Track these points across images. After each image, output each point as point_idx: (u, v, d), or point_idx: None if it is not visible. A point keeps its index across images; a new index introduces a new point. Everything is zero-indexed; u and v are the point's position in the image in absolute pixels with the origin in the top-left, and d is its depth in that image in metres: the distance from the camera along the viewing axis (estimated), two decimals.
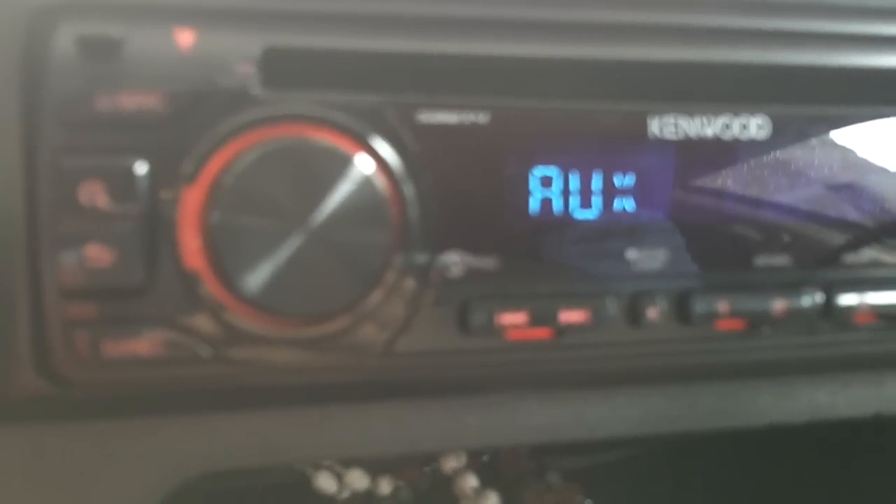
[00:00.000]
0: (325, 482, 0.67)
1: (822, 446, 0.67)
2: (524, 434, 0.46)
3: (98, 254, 0.34)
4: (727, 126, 0.42)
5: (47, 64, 0.34)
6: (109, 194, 0.34)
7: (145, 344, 0.36)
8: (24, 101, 0.35)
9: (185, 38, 0.35)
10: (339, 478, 0.68)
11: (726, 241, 0.43)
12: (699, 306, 0.41)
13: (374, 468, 0.69)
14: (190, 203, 0.35)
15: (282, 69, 0.36)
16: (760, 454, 0.70)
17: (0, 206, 0.35)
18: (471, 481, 0.68)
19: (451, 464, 0.69)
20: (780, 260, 0.43)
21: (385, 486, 0.69)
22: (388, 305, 0.38)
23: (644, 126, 0.41)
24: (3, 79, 0.35)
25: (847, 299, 0.44)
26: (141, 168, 0.35)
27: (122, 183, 0.34)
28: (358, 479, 0.68)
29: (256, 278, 0.35)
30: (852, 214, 0.44)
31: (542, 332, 0.40)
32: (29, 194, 0.35)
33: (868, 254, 0.44)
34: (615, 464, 0.72)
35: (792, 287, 0.43)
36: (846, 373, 0.49)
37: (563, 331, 0.40)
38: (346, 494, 0.68)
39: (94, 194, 0.34)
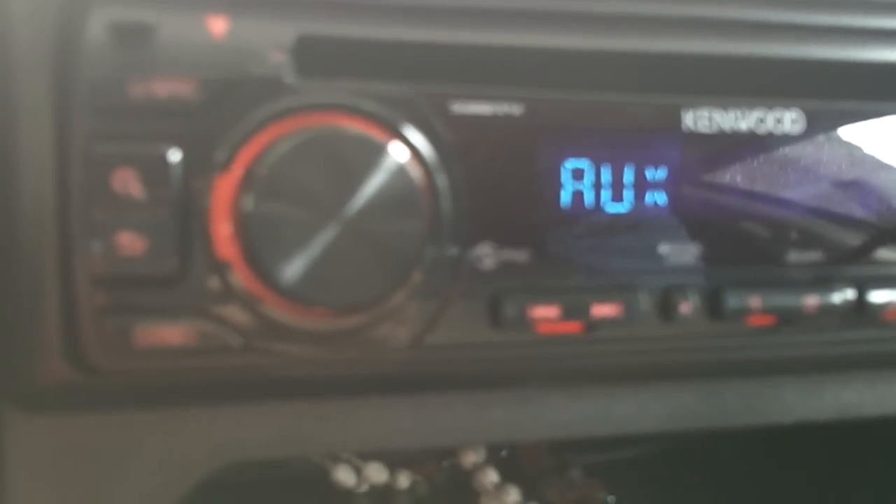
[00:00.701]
0: (344, 475, 0.67)
1: (849, 447, 0.66)
2: (550, 429, 0.46)
3: (130, 242, 0.34)
4: (761, 120, 0.41)
5: (80, 50, 0.34)
6: (142, 182, 0.34)
7: (176, 333, 0.35)
8: (57, 87, 0.34)
9: (218, 25, 0.35)
10: (358, 471, 0.67)
11: (758, 237, 0.42)
12: (731, 301, 0.41)
13: (393, 462, 0.68)
14: (222, 191, 0.35)
15: (315, 58, 0.36)
16: (786, 452, 0.70)
17: (32, 193, 0.34)
18: (491, 476, 0.68)
19: (470, 459, 0.69)
20: (812, 256, 0.43)
21: (403, 481, 0.68)
22: (420, 297, 0.38)
23: (678, 119, 0.40)
24: (36, 65, 0.34)
25: (878, 296, 0.43)
26: (174, 156, 0.34)
27: (155, 171, 0.34)
28: (377, 473, 0.67)
29: (292, 269, 0.35)
30: (885, 211, 0.44)
31: (573, 326, 0.40)
32: (60, 181, 0.34)
33: None
34: (637, 460, 0.72)
35: (823, 283, 0.43)
36: (874, 371, 0.49)
37: (594, 325, 0.40)
38: (364, 488, 0.67)
39: (126, 182, 0.34)
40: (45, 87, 0.34)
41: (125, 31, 0.34)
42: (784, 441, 0.69)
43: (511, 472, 0.69)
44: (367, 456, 0.68)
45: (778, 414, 0.49)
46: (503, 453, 0.71)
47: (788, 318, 0.43)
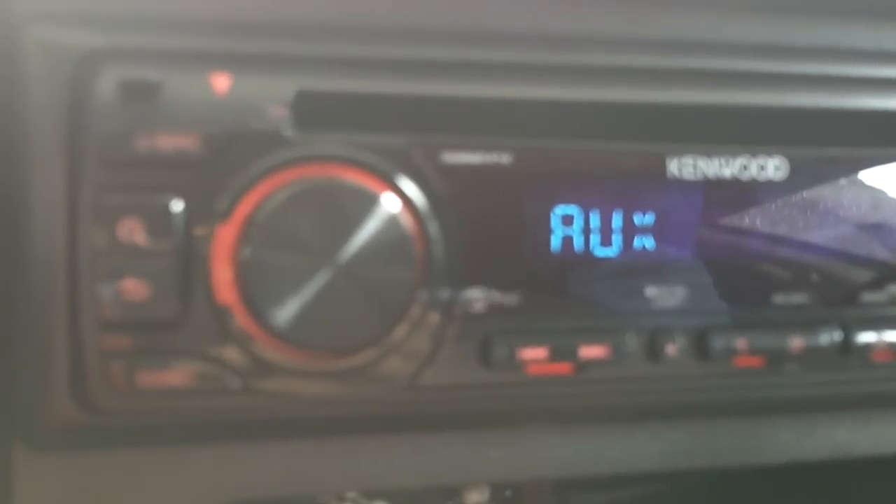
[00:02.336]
0: None
1: (850, 486, 0.66)
2: (546, 468, 0.47)
3: (134, 288, 0.36)
4: (745, 167, 0.43)
5: (90, 106, 0.36)
6: (146, 231, 0.36)
7: (178, 375, 0.37)
8: (69, 141, 0.36)
9: (222, 82, 0.37)
10: None
11: (745, 279, 0.43)
12: (717, 343, 0.42)
13: (398, 501, 0.69)
14: (223, 239, 0.37)
15: (313, 111, 0.38)
16: (787, 490, 0.70)
17: (44, 240, 0.36)
18: None
19: (473, 498, 0.69)
20: (799, 298, 0.44)
21: None
22: (413, 340, 0.39)
23: (663, 166, 0.42)
24: (51, 119, 0.36)
25: (865, 337, 0.44)
26: (177, 206, 0.36)
27: (158, 220, 0.36)
28: None
29: (285, 312, 0.36)
30: (870, 253, 0.45)
31: (562, 367, 0.41)
32: (70, 229, 0.36)
33: (886, 292, 0.45)
34: (639, 499, 0.72)
35: (810, 325, 0.44)
36: (867, 410, 0.50)
37: (583, 366, 0.41)
38: None
39: (132, 231, 0.36)
40: (58, 141, 0.36)
41: (133, 88, 0.36)
42: (786, 479, 0.70)
43: None
44: (372, 494, 0.68)
45: (772, 453, 0.49)
46: (507, 493, 0.71)
47: (776, 360, 0.44)
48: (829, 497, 0.67)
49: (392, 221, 0.37)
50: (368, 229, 0.37)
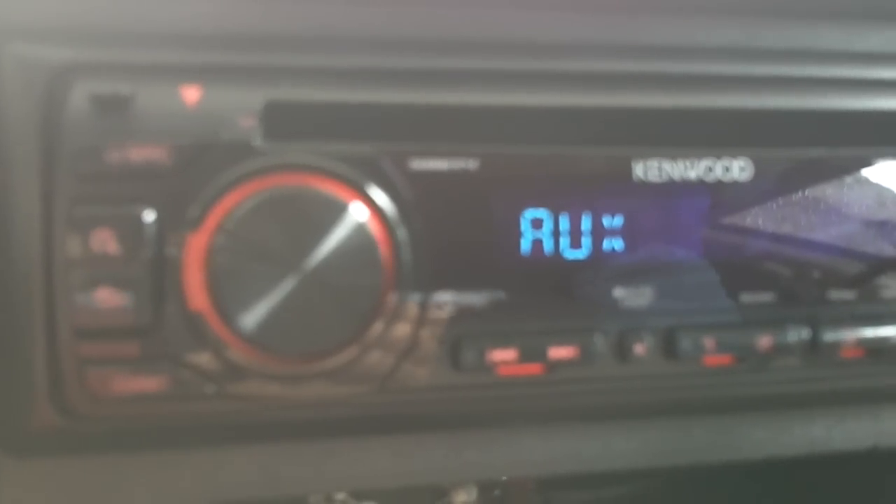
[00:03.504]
0: None
1: (836, 477, 0.67)
2: (522, 467, 0.48)
3: (109, 296, 0.37)
4: (710, 169, 0.43)
5: (63, 120, 0.37)
6: (119, 241, 0.37)
7: (153, 381, 0.38)
8: (43, 153, 0.37)
9: (192, 94, 0.38)
10: None
11: (712, 279, 0.44)
12: (685, 342, 0.43)
13: (386, 501, 0.70)
14: (194, 248, 0.38)
15: (281, 122, 0.39)
16: (773, 485, 0.71)
17: (19, 253, 0.37)
18: None
19: (460, 498, 0.70)
20: (766, 297, 0.44)
21: None
22: (383, 343, 0.40)
23: (629, 170, 0.42)
24: (26, 133, 0.37)
25: (833, 335, 0.45)
26: (149, 216, 0.37)
27: (130, 230, 0.37)
28: None
29: (253, 318, 0.37)
30: (837, 252, 0.45)
31: (532, 368, 0.42)
32: (46, 240, 0.37)
33: (854, 290, 0.45)
34: (622, 497, 0.73)
35: (778, 323, 0.44)
36: (840, 407, 0.50)
37: (553, 366, 0.42)
38: None
39: (104, 241, 0.37)
40: (33, 154, 0.37)
41: (105, 101, 0.37)
42: (774, 476, 0.70)
43: None
44: (362, 495, 0.69)
45: (747, 450, 0.50)
46: (496, 493, 0.72)
47: (744, 358, 0.44)
48: (811, 494, 0.68)
49: (359, 228, 0.38)
50: (336, 236, 0.38)
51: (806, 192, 0.45)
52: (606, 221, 0.43)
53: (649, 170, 0.43)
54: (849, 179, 0.45)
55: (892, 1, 0.47)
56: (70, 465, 0.41)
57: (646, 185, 0.43)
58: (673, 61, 0.43)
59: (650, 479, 0.74)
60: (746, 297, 0.44)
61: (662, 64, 0.43)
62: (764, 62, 0.44)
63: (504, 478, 0.67)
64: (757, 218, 0.44)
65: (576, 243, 0.43)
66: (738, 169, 0.44)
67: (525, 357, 0.41)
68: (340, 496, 0.69)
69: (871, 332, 0.45)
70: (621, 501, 0.73)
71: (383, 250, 0.39)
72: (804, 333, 0.45)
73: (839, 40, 0.47)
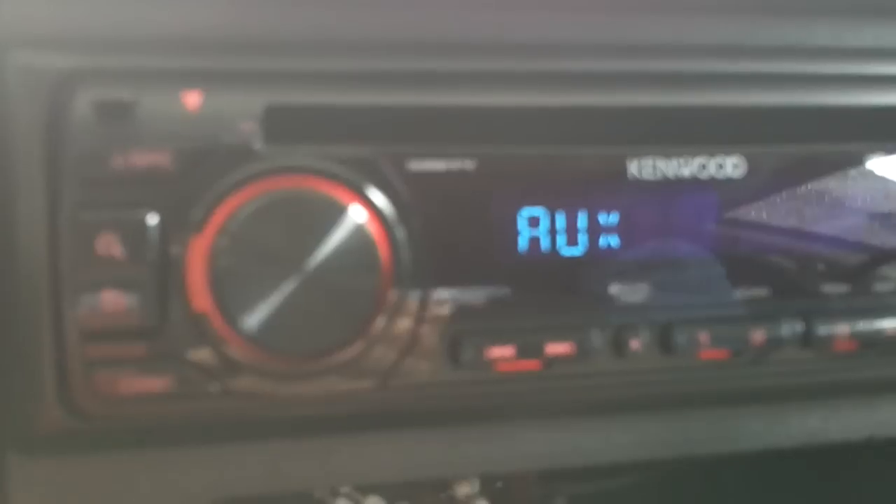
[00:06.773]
0: None
1: (835, 469, 0.68)
2: (523, 461, 0.48)
3: (114, 299, 0.38)
4: (704, 166, 0.44)
5: (67, 126, 0.38)
6: (123, 245, 0.38)
7: (159, 381, 0.39)
8: (47, 160, 0.38)
9: (193, 99, 0.39)
10: None
11: (707, 275, 0.45)
12: (681, 337, 0.44)
13: (391, 495, 0.71)
14: (197, 250, 0.38)
15: (282, 125, 0.39)
16: (773, 477, 0.71)
17: (26, 257, 0.38)
18: None
19: (463, 490, 0.71)
20: (760, 291, 0.45)
21: None
22: (383, 342, 0.41)
23: (624, 168, 0.43)
24: (29, 140, 0.38)
25: (826, 328, 0.46)
26: (152, 220, 0.38)
27: (134, 234, 0.38)
28: None
29: (255, 318, 0.38)
30: (829, 246, 0.46)
31: (530, 364, 0.43)
32: (52, 246, 0.38)
33: (846, 284, 0.46)
34: (624, 489, 0.74)
35: (771, 317, 0.45)
36: (836, 398, 0.51)
37: (550, 362, 0.43)
38: None
39: (109, 245, 0.38)
40: (38, 161, 0.38)
41: (108, 107, 0.38)
42: (776, 468, 0.71)
43: (505, 503, 0.71)
44: (366, 489, 0.70)
45: (745, 441, 0.51)
46: (498, 485, 0.73)
47: (739, 352, 0.45)
48: (811, 487, 0.69)
49: (358, 229, 0.39)
50: (335, 237, 0.39)
51: (799, 188, 0.45)
52: (602, 219, 0.44)
53: (644, 168, 0.43)
54: (842, 175, 0.46)
55: None
56: (78, 465, 0.42)
57: (641, 183, 0.43)
58: (666, 59, 0.44)
59: (651, 470, 0.75)
60: (741, 292, 0.45)
61: (656, 62, 0.44)
62: (756, 59, 0.45)
63: (503, 472, 0.67)
64: (750, 214, 0.45)
65: (572, 241, 0.44)
66: (731, 166, 0.44)
67: (522, 353, 0.42)
68: (345, 490, 0.70)
69: (864, 326, 0.46)
70: (623, 492, 0.74)
71: (382, 250, 0.40)
72: (798, 327, 0.45)
73: (831, 36, 0.47)
